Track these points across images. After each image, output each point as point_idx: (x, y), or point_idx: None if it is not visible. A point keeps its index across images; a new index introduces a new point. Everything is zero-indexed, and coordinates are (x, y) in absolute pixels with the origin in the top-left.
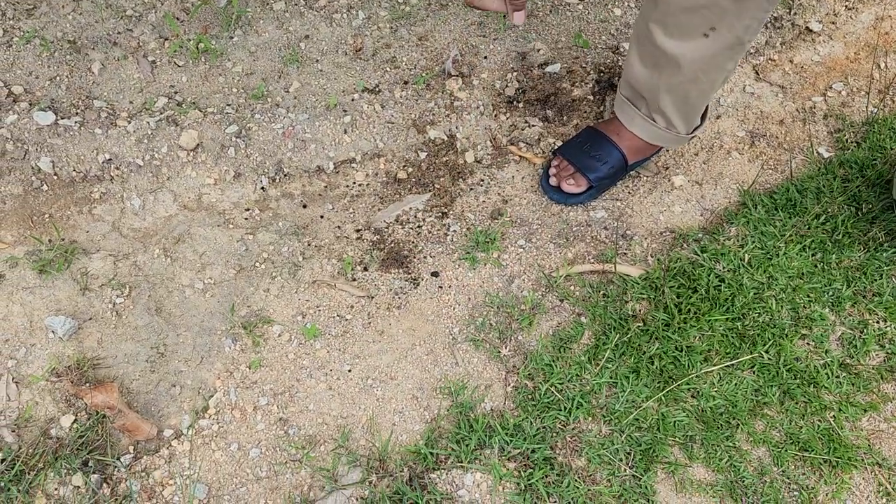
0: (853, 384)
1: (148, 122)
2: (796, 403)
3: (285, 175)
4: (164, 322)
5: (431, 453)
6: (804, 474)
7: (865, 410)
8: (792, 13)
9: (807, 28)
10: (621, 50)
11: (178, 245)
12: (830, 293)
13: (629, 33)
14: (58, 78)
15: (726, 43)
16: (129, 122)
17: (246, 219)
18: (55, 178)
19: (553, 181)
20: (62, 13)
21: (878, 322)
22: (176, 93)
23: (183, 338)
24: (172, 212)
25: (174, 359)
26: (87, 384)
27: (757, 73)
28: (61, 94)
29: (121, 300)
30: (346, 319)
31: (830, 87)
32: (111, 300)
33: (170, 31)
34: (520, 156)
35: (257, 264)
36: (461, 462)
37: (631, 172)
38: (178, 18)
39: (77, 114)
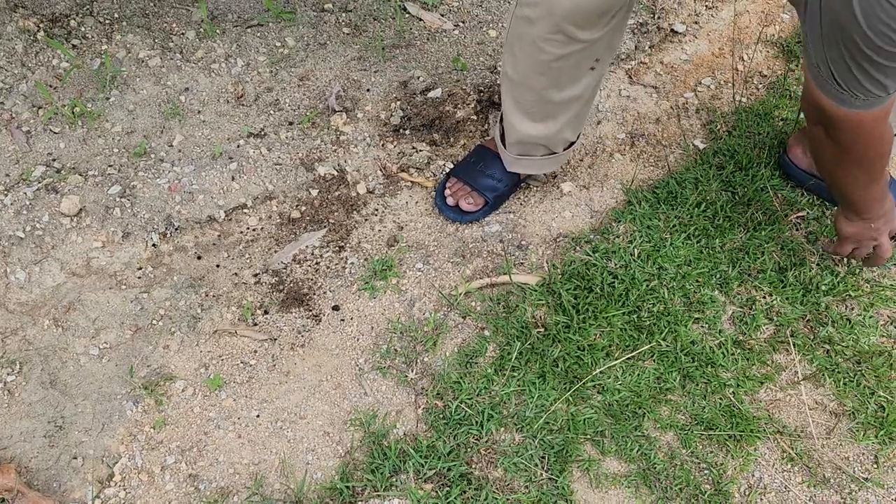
0: (748, 359)
1: (25, 193)
2: (697, 385)
3: (176, 229)
4: (59, 394)
5: (347, 487)
6: (712, 452)
7: (762, 382)
8: (656, 17)
9: (672, 30)
10: (499, 69)
11: (69, 313)
12: (718, 276)
13: None
14: None
15: (606, 62)
16: (6, 195)
17: (139, 278)
18: None
19: (450, 201)
20: None
21: (764, 297)
22: (54, 160)
23: (81, 407)
24: (60, 280)
25: (74, 430)
26: None
27: (630, 77)
28: None
29: (12, 378)
30: (251, 365)
31: (700, 83)
32: (2, 379)
33: (43, 98)
34: (411, 181)
35: (154, 322)
36: (377, 491)
37: (522, 184)
38: (50, 86)
39: None
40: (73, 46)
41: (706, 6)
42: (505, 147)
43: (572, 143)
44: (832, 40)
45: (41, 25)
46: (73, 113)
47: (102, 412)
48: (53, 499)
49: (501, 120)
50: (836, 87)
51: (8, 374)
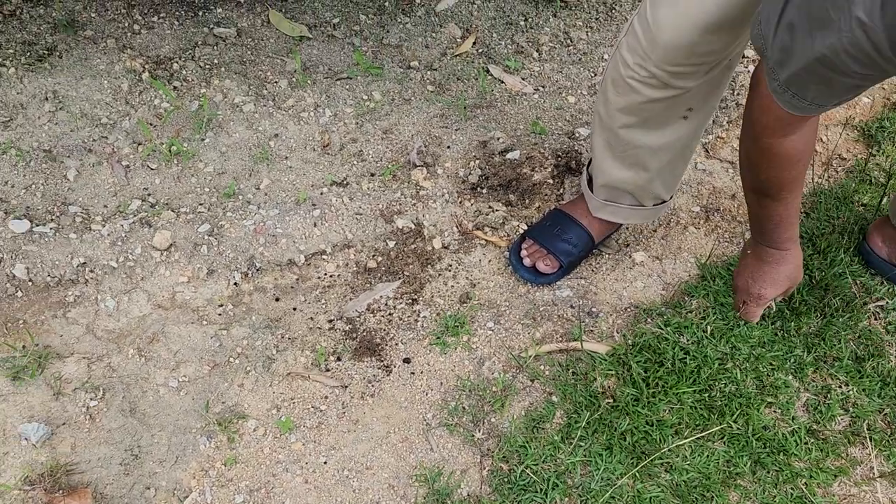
0: (822, 450)
1: (122, 225)
2: (768, 472)
3: (257, 270)
4: (138, 423)
5: None
6: None
7: (836, 475)
8: (735, 93)
9: None
10: (576, 135)
11: (152, 344)
12: (792, 360)
13: (583, 119)
14: (33, 186)
15: (703, 115)
16: (104, 226)
17: (219, 314)
18: (30, 283)
19: (527, 262)
20: (38, 124)
21: (840, 387)
22: (149, 195)
23: (157, 438)
24: (146, 311)
25: (149, 460)
26: (61, 491)
27: (707, 150)
28: (36, 202)
29: (94, 403)
30: (321, 410)
31: None
32: (85, 404)
33: (143, 136)
34: (485, 240)
35: (231, 359)
36: None
37: (594, 251)
38: (150, 124)
39: (52, 220)
40: (175, 88)
41: None
42: (592, 192)
43: (664, 202)
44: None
45: (146, 66)
46: (169, 151)
47: (177, 444)
48: None
49: (590, 164)
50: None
51: (91, 399)
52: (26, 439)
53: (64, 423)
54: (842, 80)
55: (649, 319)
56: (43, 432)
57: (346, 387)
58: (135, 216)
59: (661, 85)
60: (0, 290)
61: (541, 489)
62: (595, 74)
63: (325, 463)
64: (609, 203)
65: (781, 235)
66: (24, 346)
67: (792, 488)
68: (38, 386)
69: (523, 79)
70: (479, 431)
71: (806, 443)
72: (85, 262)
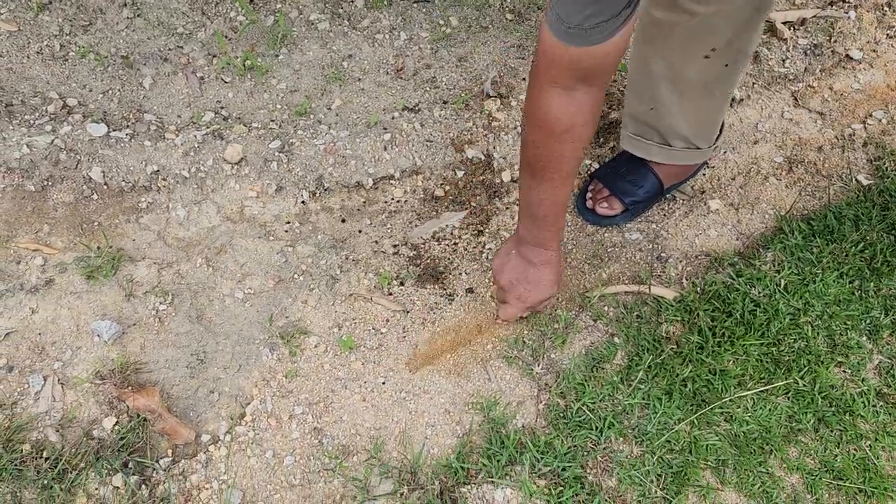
0: (890, 414)
1: (195, 136)
2: (831, 431)
3: (325, 190)
4: (204, 330)
5: (462, 467)
6: (838, 503)
7: None
8: (832, 41)
9: (847, 56)
10: None
11: (220, 255)
12: (868, 321)
13: None
14: (110, 91)
15: (729, 58)
16: (177, 136)
17: (286, 231)
18: (105, 187)
19: (589, 203)
20: (116, 29)
21: None
22: (222, 108)
23: (222, 346)
24: (215, 223)
25: (213, 366)
26: (130, 387)
27: (796, 99)
28: (113, 108)
29: (164, 307)
30: (382, 333)
31: (870, 115)
32: (154, 307)
33: (218, 48)
34: None
35: (296, 276)
36: (492, 477)
37: (667, 195)
38: (226, 37)
39: (128, 126)
40: (251, 1)
41: (888, 35)
42: (623, 124)
43: (697, 149)
44: None
45: None
46: (243, 65)
47: (241, 353)
48: (189, 427)
49: None
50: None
51: (160, 304)
52: (98, 336)
53: (134, 324)
54: None
55: (720, 269)
56: (115, 330)
57: (408, 312)
58: (207, 128)
59: (671, 4)
60: (77, 191)
61: (596, 427)
62: None
63: (384, 384)
64: (636, 137)
65: (548, 230)
66: (98, 247)
67: (855, 449)
68: (110, 286)
69: None
70: (538, 366)
71: (874, 405)
72: (158, 170)
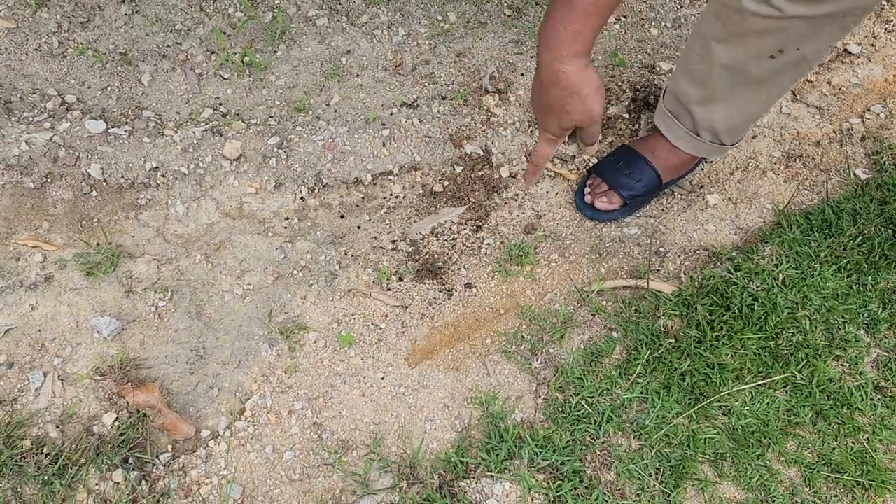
0: (888, 407)
1: (194, 132)
2: (829, 425)
3: (324, 186)
4: (203, 326)
5: (461, 462)
6: (836, 496)
7: None
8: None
9: (845, 50)
10: (657, 69)
11: (219, 251)
12: (866, 315)
13: (665, 52)
14: (109, 88)
15: (792, 62)
16: (176, 132)
17: (285, 227)
18: (104, 184)
19: (587, 198)
20: (114, 26)
21: None
22: (221, 104)
23: (222, 341)
24: (214, 219)
25: (213, 361)
26: (129, 384)
27: (794, 93)
28: (112, 104)
29: (163, 303)
30: (381, 328)
31: (868, 110)
32: (154, 303)
33: (217, 44)
34: (554, 172)
35: (295, 272)
36: (491, 471)
37: (665, 190)
38: (224, 33)
39: (127, 123)
40: None
41: (886, 29)
42: (664, 96)
43: (722, 145)
44: None
45: None
46: (242, 62)
47: (240, 349)
48: (189, 422)
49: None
50: None
51: (160, 300)
52: (98, 332)
53: (134, 320)
54: None
55: (719, 263)
56: (114, 327)
57: (407, 307)
58: (206, 124)
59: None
60: (76, 188)
61: (595, 421)
62: (681, 7)
63: (383, 379)
64: (669, 115)
65: (565, 31)
66: (97, 244)
67: (853, 442)
68: (110, 283)
69: None
70: (537, 360)
71: (872, 399)
72: (157, 167)
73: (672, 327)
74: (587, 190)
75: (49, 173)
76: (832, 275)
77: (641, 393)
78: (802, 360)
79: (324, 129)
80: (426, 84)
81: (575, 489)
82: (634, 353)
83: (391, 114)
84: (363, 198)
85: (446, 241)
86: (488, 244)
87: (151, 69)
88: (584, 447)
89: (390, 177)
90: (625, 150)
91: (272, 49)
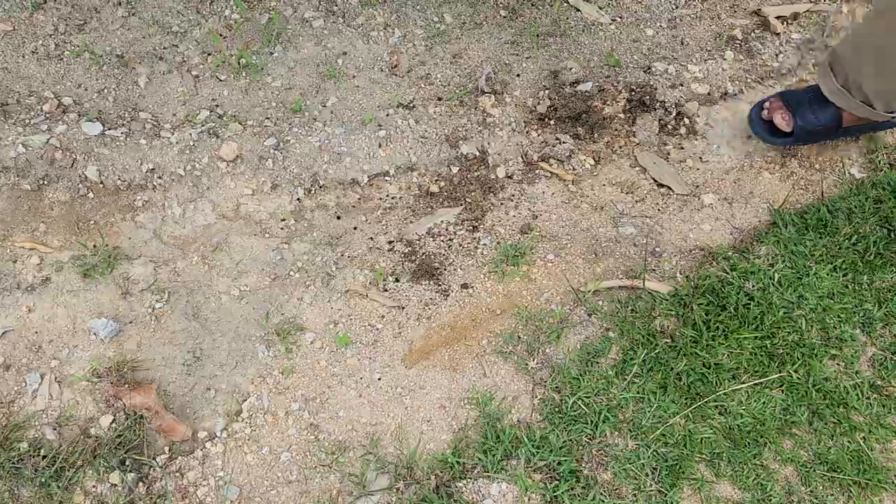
0: (884, 406)
1: (190, 134)
2: (825, 424)
3: (321, 187)
4: (200, 327)
5: (458, 462)
6: (832, 495)
7: None
8: (825, 35)
9: None
10: (653, 69)
11: (216, 253)
12: (861, 314)
13: (661, 52)
14: (105, 90)
15: None
16: (173, 134)
17: (282, 228)
18: (101, 186)
19: (765, 114)
20: (111, 28)
21: None
22: (217, 106)
23: (219, 343)
24: (211, 220)
25: (210, 363)
26: (127, 385)
27: None
28: (109, 106)
29: (160, 305)
30: (377, 329)
31: None
32: (151, 305)
33: (213, 46)
34: (550, 172)
35: (291, 273)
36: (487, 472)
37: (661, 190)
38: (221, 35)
39: (123, 125)
40: None
41: None
42: (834, 73)
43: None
44: None
45: None
46: (238, 63)
47: (237, 350)
48: (186, 424)
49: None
50: None
51: (157, 301)
52: (95, 334)
53: (131, 322)
54: None
55: (715, 263)
56: (111, 328)
57: (404, 308)
58: (203, 126)
59: None
60: (73, 190)
61: (591, 421)
62: (676, 7)
63: (380, 379)
64: (844, 90)
65: None
66: (94, 246)
67: (849, 441)
68: (107, 284)
69: (600, 7)
70: (533, 361)
71: (868, 398)
72: (154, 169)
73: (668, 327)
74: (766, 105)
75: (46, 175)
76: (828, 274)
77: (638, 393)
78: (798, 359)
79: (320, 131)
80: (422, 85)
81: (572, 489)
82: (631, 353)
83: (387, 115)
84: (359, 199)
85: (443, 241)
86: (485, 245)
87: (148, 71)
88: (580, 447)
89: (386, 178)
90: (818, 91)
91: (268, 51)
